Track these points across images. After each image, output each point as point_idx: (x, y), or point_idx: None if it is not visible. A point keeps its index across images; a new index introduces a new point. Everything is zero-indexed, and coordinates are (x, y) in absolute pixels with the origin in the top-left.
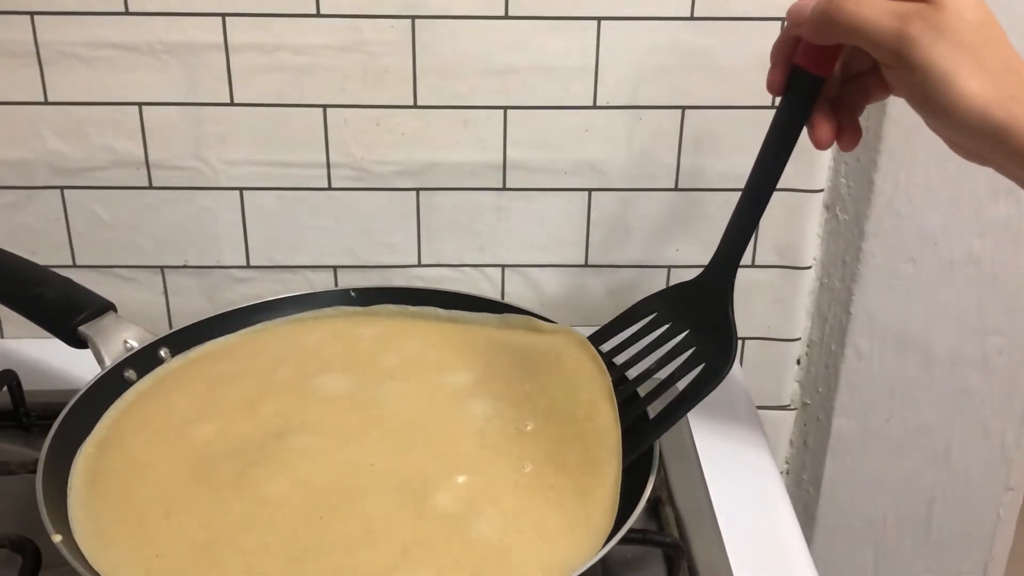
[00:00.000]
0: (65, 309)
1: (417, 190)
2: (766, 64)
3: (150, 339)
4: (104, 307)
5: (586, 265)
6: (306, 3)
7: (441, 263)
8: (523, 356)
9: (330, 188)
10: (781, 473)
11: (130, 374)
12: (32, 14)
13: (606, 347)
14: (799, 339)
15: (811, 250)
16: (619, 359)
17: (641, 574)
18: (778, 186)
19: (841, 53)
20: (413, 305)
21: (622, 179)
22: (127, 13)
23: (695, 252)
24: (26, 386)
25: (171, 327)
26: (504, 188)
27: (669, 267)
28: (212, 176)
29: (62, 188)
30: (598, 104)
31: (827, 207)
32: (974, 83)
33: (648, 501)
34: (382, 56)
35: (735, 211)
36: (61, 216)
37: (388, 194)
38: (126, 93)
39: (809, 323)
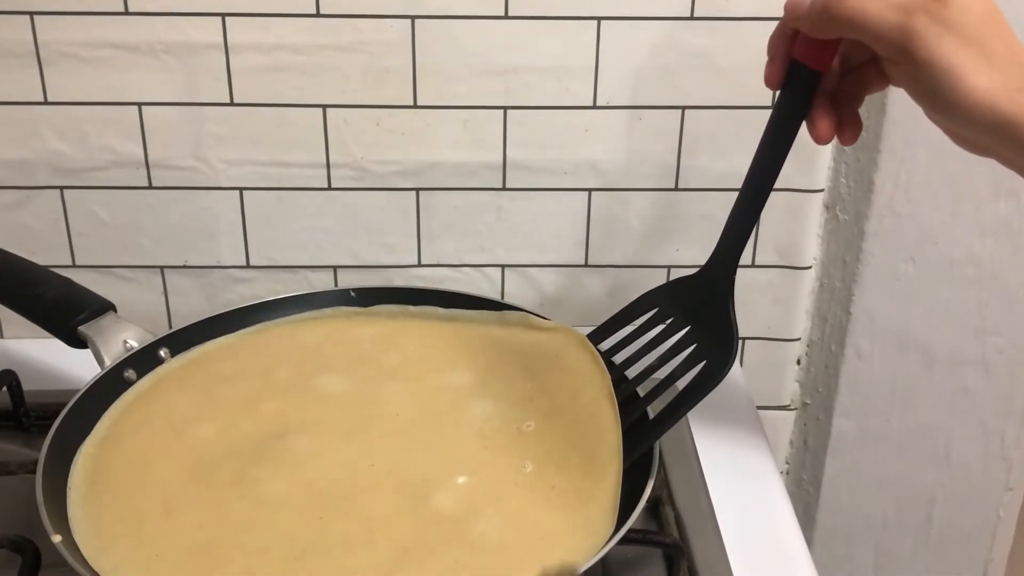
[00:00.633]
0: (65, 309)
1: (417, 190)
2: (765, 63)
3: (150, 339)
4: (104, 307)
5: (586, 265)
6: (306, 3)
7: (441, 263)
8: (523, 355)
9: (330, 188)
10: (781, 473)
11: (130, 374)
12: (32, 14)
13: (607, 343)
14: (799, 339)
15: (811, 250)
16: (619, 356)
17: (641, 574)
18: (778, 186)
19: (840, 46)
20: (413, 305)
21: (622, 179)
22: (127, 13)
23: (695, 252)
24: (26, 386)
25: (171, 327)
26: (504, 188)
27: (669, 267)
28: (212, 176)
29: (62, 188)
30: (598, 104)
31: (827, 207)
32: (982, 77)
33: (648, 501)
34: (382, 56)
35: (734, 207)
36: (61, 216)
37: (388, 194)
38: (126, 93)
39: (809, 323)
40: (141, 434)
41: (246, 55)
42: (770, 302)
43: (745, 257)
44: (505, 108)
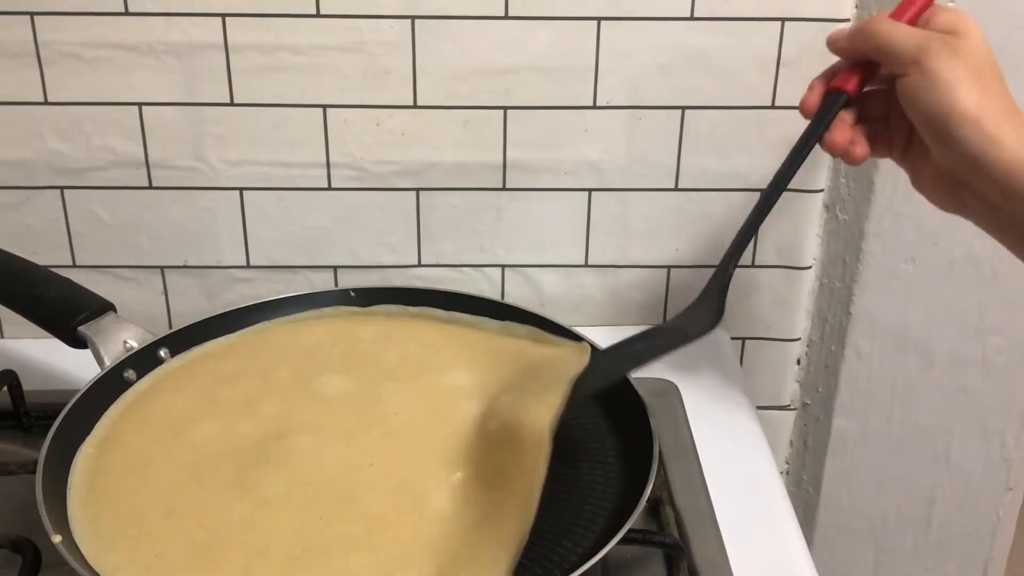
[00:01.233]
0: (65, 309)
1: (417, 190)
2: (766, 64)
3: (150, 339)
4: (104, 307)
5: (586, 265)
6: (306, 3)
7: (441, 263)
8: (524, 363)
9: (330, 188)
10: (781, 473)
11: (130, 374)
12: (32, 14)
13: None
14: (799, 339)
15: (811, 250)
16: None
17: (641, 574)
18: None
19: (866, 76)
20: (413, 305)
21: (622, 179)
22: (127, 13)
23: (695, 252)
24: (26, 386)
25: (171, 327)
26: (504, 188)
27: (669, 267)
28: (212, 176)
29: (62, 188)
30: (598, 104)
31: (827, 207)
32: (974, 95)
33: (648, 501)
34: (382, 56)
35: (753, 213)
36: (61, 216)
37: (388, 194)
38: (126, 93)
39: (809, 323)
40: (141, 434)
41: (246, 55)
42: (770, 302)
43: (745, 257)
44: (505, 108)
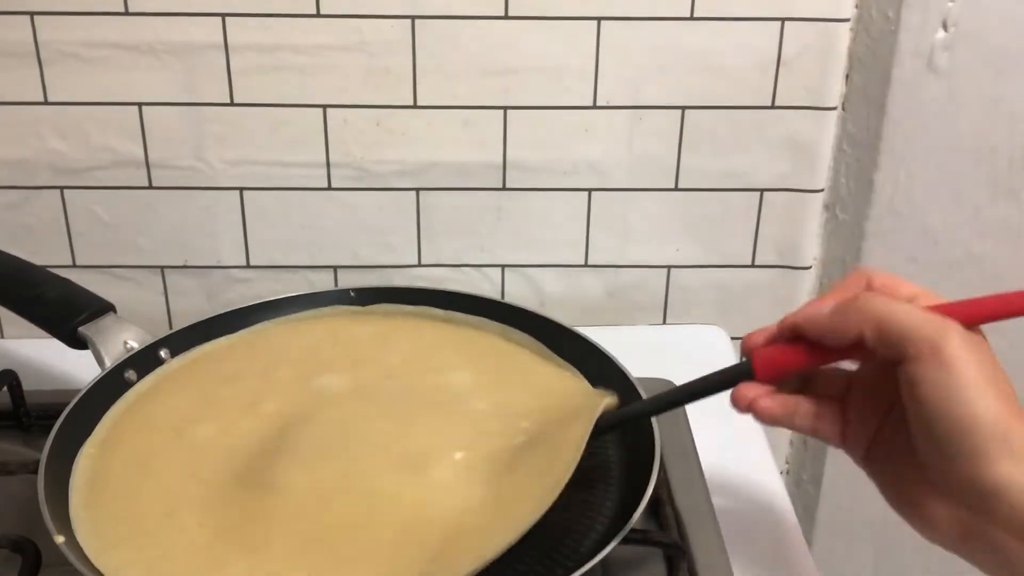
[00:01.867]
0: (64, 310)
1: (417, 190)
2: (766, 64)
3: (150, 340)
4: (103, 308)
5: (586, 265)
6: (306, 3)
7: (441, 263)
8: (525, 375)
9: (330, 188)
10: (781, 473)
11: (130, 375)
12: (32, 14)
13: None
14: None
15: (811, 250)
16: None
17: (641, 574)
18: (778, 186)
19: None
20: (412, 305)
21: (622, 179)
22: (127, 13)
23: (695, 252)
24: (26, 386)
25: (171, 327)
26: (504, 188)
27: (669, 267)
28: (212, 176)
29: (62, 188)
30: (598, 104)
31: (827, 207)
32: (991, 391)
33: (648, 501)
34: (382, 56)
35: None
36: (61, 216)
37: (388, 194)
38: (126, 93)
39: None
40: (142, 435)
41: (246, 55)
42: (770, 302)
43: (745, 257)
44: (505, 108)
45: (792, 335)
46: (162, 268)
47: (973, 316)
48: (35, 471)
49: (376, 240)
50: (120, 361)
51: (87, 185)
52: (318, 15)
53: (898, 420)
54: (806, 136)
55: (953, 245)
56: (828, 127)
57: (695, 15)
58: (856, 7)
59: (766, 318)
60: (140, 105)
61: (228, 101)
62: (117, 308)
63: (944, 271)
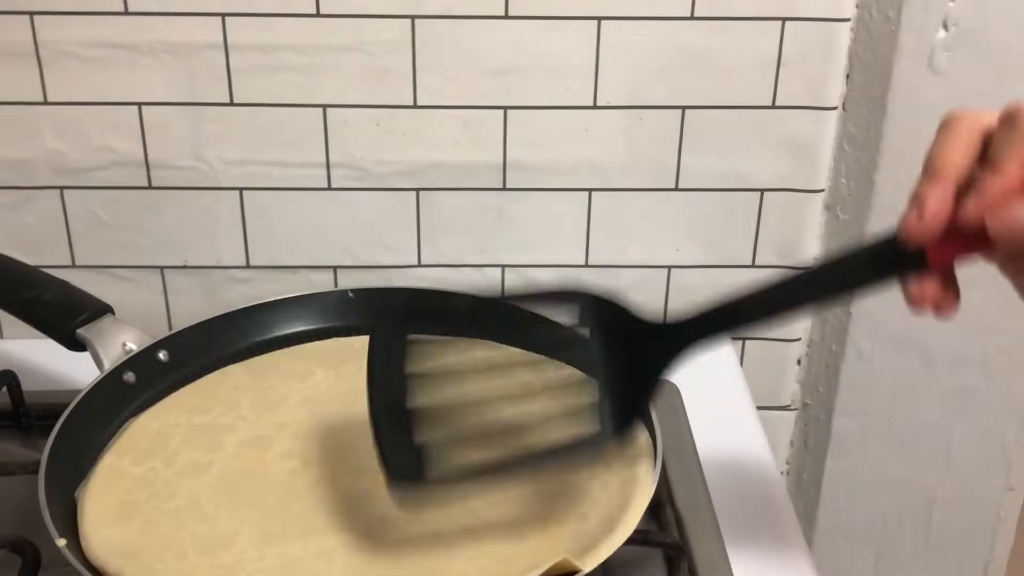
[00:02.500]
0: (62, 312)
1: (417, 190)
2: (766, 64)
3: (149, 341)
4: (102, 309)
5: (586, 265)
6: (306, 3)
7: (441, 263)
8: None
9: (330, 188)
10: (781, 473)
11: (129, 376)
12: (32, 14)
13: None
14: (799, 339)
15: (811, 250)
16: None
17: (641, 574)
18: (778, 186)
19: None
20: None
21: (622, 179)
22: (127, 13)
23: (695, 252)
24: (26, 387)
25: (171, 327)
26: (504, 188)
27: (669, 267)
28: (212, 176)
29: (62, 188)
30: (598, 104)
31: (827, 207)
32: None
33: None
34: (382, 56)
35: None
36: (61, 216)
37: (388, 194)
38: (126, 93)
39: (809, 323)
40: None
41: (246, 55)
42: None
43: (745, 257)
44: (505, 108)
45: (975, 232)
46: (162, 268)
47: None
48: (35, 471)
49: (376, 240)
50: (119, 363)
51: (87, 185)
52: (318, 15)
53: None
54: (806, 136)
55: None
56: (828, 127)
57: (695, 15)
58: (856, 7)
59: None
60: (140, 105)
61: (228, 101)
62: (116, 308)
63: None
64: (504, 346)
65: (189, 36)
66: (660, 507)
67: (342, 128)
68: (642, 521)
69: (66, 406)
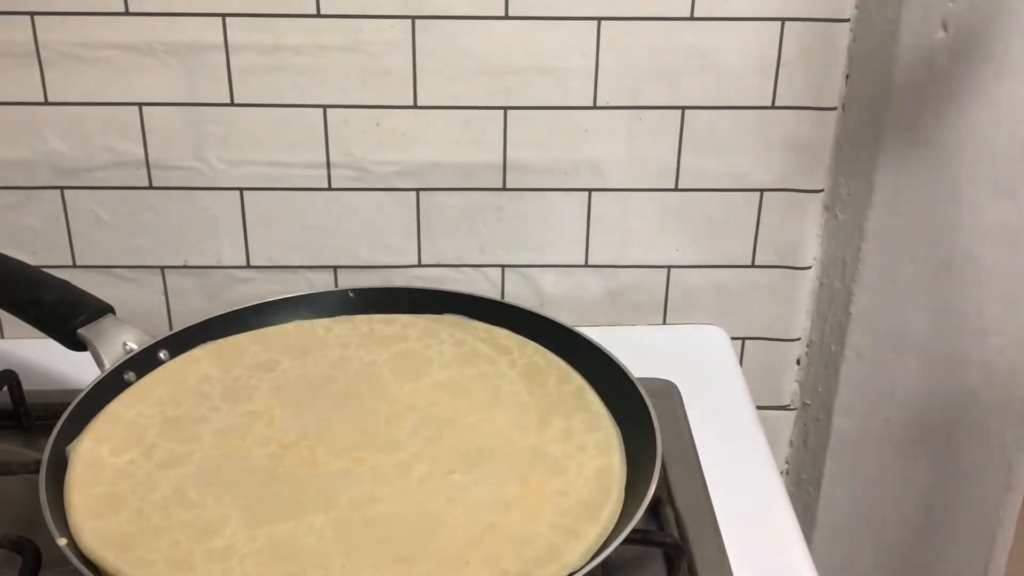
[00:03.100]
0: (63, 312)
1: (417, 190)
2: (766, 64)
3: (149, 341)
4: (103, 309)
5: (586, 265)
6: (306, 3)
7: (441, 263)
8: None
9: (330, 188)
10: (781, 473)
11: (130, 376)
12: (32, 14)
13: None
14: (799, 339)
15: (811, 250)
16: None
17: (641, 574)
18: (778, 186)
19: None
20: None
21: (622, 179)
22: (127, 13)
23: (695, 252)
24: (26, 386)
25: (171, 327)
26: (504, 188)
27: (669, 267)
28: (212, 176)
29: (62, 188)
30: (598, 104)
31: (827, 207)
32: None
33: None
34: (382, 56)
35: None
36: (61, 216)
37: (388, 194)
38: (126, 93)
39: (809, 323)
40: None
41: (246, 55)
42: (770, 302)
43: (745, 257)
44: (505, 108)
45: None
46: (162, 268)
47: None
48: (35, 471)
49: (376, 240)
50: (120, 363)
51: (87, 185)
52: (318, 15)
53: None
54: (806, 136)
55: (953, 245)
56: (828, 127)
57: (695, 15)
58: (856, 7)
59: (766, 318)
60: (140, 105)
61: (228, 101)
62: (117, 308)
63: (944, 271)
64: None
65: (189, 36)
66: (660, 507)
67: (342, 128)
68: (642, 521)
69: (67, 406)
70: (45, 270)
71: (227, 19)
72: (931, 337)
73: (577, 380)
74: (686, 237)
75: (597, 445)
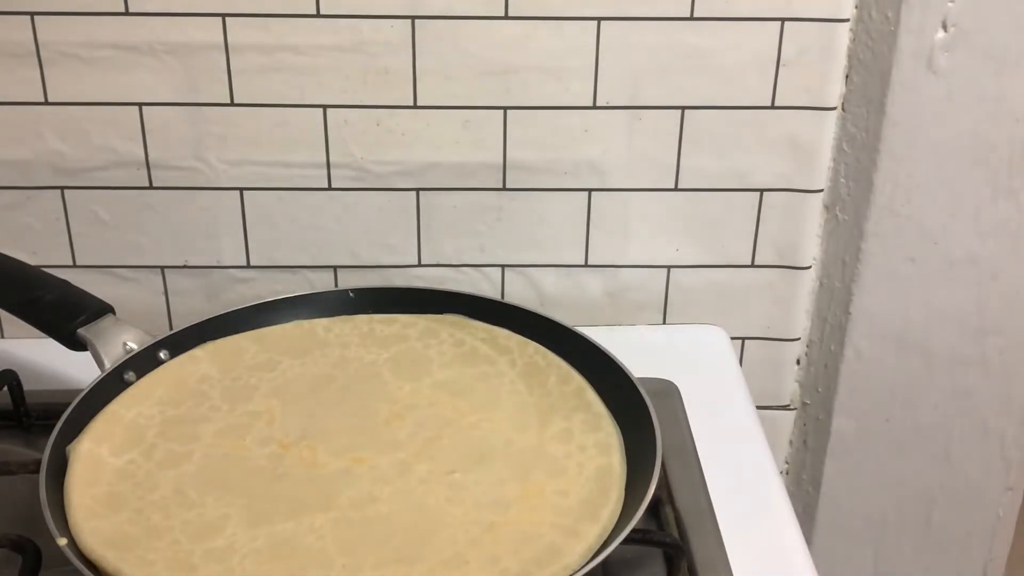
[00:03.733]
0: (63, 312)
1: (417, 190)
2: (766, 64)
3: (149, 341)
4: (103, 309)
5: (586, 265)
6: (306, 3)
7: (441, 263)
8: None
9: (330, 188)
10: (781, 473)
11: (130, 376)
12: (32, 14)
13: None
14: (799, 339)
15: (811, 250)
16: None
17: (641, 574)
18: (778, 186)
19: None
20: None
21: (622, 179)
22: (127, 13)
23: (695, 252)
24: (26, 386)
25: (171, 327)
26: (504, 188)
27: (669, 267)
28: (212, 176)
29: (62, 188)
30: (598, 104)
31: (827, 207)
32: None
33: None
34: (382, 56)
35: None
36: (61, 216)
37: (388, 194)
38: (126, 93)
39: (809, 323)
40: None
41: (246, 55)
42: (770, 302)
43: (745, 257)
44: (505, 108)
45: None
46: (162, 268)
47: None
48: (35, 471)
49: (376, 240)
50: (120, 362)
51: (87, 185)
52: (318, 15)
53: None
54: (806, 136)
55: (953, 245)
56: (828, 127)
57: (695, 15)
58: (856, 7)
59: (766, 318)
60: (140, 105)
61: (228, 101)
62: (117, 308)
63: (944, 271)
64: None
65: (189, 36)
66: (660, 507)
67: (342, 128)
68: (642, 521)
69: (67, 406)
70: (45, 270)
71: (227, 19)
72: (931, 337)
73: (577, 380)
74: (686, 237)
75: (597, 445)
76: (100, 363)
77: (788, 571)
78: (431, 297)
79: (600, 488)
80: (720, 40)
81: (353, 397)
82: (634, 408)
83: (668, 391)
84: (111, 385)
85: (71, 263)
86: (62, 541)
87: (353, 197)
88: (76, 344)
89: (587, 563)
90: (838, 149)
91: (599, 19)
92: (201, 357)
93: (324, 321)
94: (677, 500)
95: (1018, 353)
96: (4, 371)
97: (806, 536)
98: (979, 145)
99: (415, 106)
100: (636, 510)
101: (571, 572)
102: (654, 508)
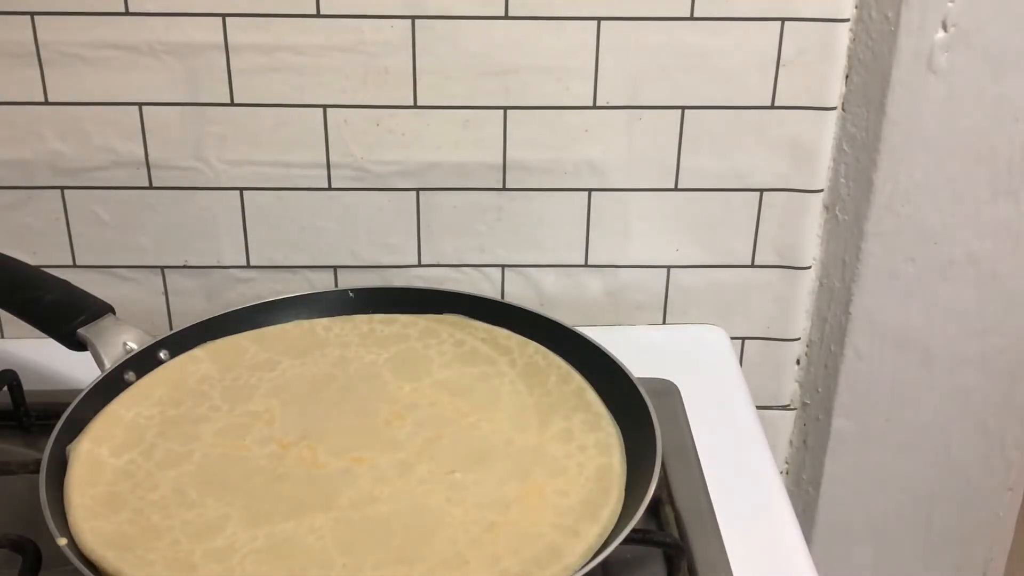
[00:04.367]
0: (63, 312)
1: (417, 190)
2: (766, 64)
3: (149, 341)
4: (103, 309)
5: (586, 265)
6: (306, 3)
7: (441, 263)
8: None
9: (330, 188)
10: (781, 473)
11: (130, 376)
12: (32, 14)
13: None
14: (799, 339)
15: (811, 250)
16: None
17: (641, 574)
18: (778, 186)
19: None
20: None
21: (622, 179)
22: (127, 13)
23: (695, 252)
24: (27, 386)
25: (171, 327)
26: (504, 188)
27: (669, 267)
28: (212, 176)
29: (62, 188)
30: (598, 104)
31: (827, 207)
32: None
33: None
34: (382, 56)
35: None
36: (61, 216)
37: (388, 194)
38: (126, 93)
39: (809, 323)
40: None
41: (246, 55)
42: (770, 302)
43: (745, 257)
44: (505, 108)
45: None
46: (162, 268)
47: None
48: (35, 471)
49: (376, 240)
50: (120, 362)
51: (87, 185)
52: (318, 15)
53: None
54: (806, 136)
55: (953, 245)
56: (828, 127)
57: (695, 15)
58: (856, 7)
59: (766, 318)
60: (140, 105)
61: (228, 101)
62: (117, 308)
63: (944, 271)
64: None
65: (189, 36)
66: (660, 507)
67: (342, 128)
68: (642, 521)
69: (67, 406)
70: (45, 270)
71: (227, 19)
72: (931, 337)
73: (577, 380)
74: (686, 237)
75: (597, 445)
76: (100, 363)
77: (788, 571)
78: (431, 297)
79: (600, 488)
80: (720, 40)
81: (353, 397)
82: (634, 408)
83: (668, 391)
84: (111, 385)
85: (71, 263)
86: (62, 541)
87: (353, 197)
88: (76, 344)
89: (587, 563)
90: (838, 149)
91: (599, 19)
92: (201, 357)
93: (324, 321)
94: (677, 500)
95: (1018, 353)
96: (4, 371)
97: (806, 536)
98: (979, 145)
99: (415, 106)
100: (636, 510)
101: (571, 572)
102: (654, 508)
